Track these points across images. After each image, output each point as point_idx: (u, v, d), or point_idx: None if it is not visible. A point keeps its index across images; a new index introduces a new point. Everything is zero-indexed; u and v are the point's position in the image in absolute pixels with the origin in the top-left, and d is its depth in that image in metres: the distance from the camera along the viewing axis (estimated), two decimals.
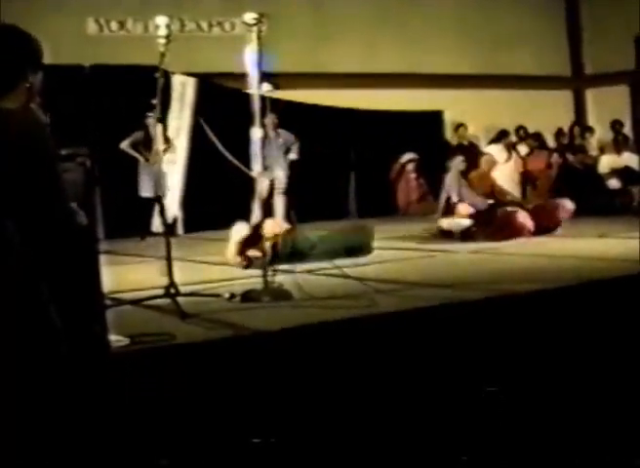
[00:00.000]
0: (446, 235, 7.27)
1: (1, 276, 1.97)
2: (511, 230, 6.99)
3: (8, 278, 1.97)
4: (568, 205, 7.50)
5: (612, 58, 12.01)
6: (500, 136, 10.46)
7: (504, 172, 8.68)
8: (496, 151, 9.42)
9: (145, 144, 9.23)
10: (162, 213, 5.19)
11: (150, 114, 8.79)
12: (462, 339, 3.53)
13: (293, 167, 9.90)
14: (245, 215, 8.54)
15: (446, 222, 7.40)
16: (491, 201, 7.45)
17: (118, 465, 2.29)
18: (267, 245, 5.18)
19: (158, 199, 8.55)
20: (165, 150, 8.54)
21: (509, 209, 7.25)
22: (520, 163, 10.30)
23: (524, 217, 7.08)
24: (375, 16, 11.80)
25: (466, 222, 7.24)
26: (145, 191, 9.23)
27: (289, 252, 5.73)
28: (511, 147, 10.26)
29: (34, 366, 1.98)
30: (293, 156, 9.94)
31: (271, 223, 6.07)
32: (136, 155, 9.27)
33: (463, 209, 7.37)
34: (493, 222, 7.11)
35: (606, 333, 3.54)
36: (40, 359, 1.99)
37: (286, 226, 6.27)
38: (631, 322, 3.61)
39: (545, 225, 7.23)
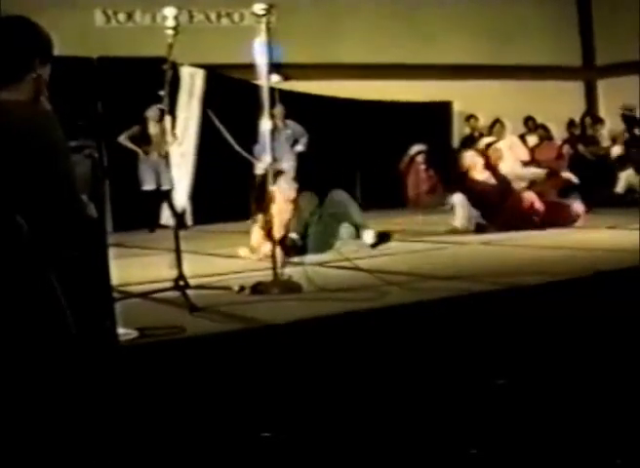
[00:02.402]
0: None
1: (11, 268, 1.96)
2: (522, 213, 6.94)
3: (18, 270, 1.97)
4: (577, 207, 7.38)
5: (623, 48, 11.93)
6: (492, 127, 10.38)
7: (506, 162, 8.59)
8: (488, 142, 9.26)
9: (143, 138, 9.24)
10: (171, 205, 5.19)
11: (150, 107, 8.83)
12: (472, 332, 3.52)
13: (300, 158, 9.88)
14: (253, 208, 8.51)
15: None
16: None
17: (123, 459, 2.29)
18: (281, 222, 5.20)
19: (166, 192, 8.57)
20: (167, 144, 8.56)
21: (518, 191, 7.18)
22: (525, 153, 10.19)
23: (532, 197, 7.02)
24: (384, 6, 11.75)
25: (476, 215, 7.22)
26: (147, 185, 9.23)
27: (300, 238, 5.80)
28: (502, 135, 10.12)
29: (45, 358, 1.98)
30: (300, 148, 9.92)
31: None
32: (134, 148, 9.27)
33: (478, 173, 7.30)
34: (502, 212, 7.05)
35: (616, 325, 3.52)
36: (51, 351, 1.99)
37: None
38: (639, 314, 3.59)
39: (555, 220, 7.17)
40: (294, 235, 5.96)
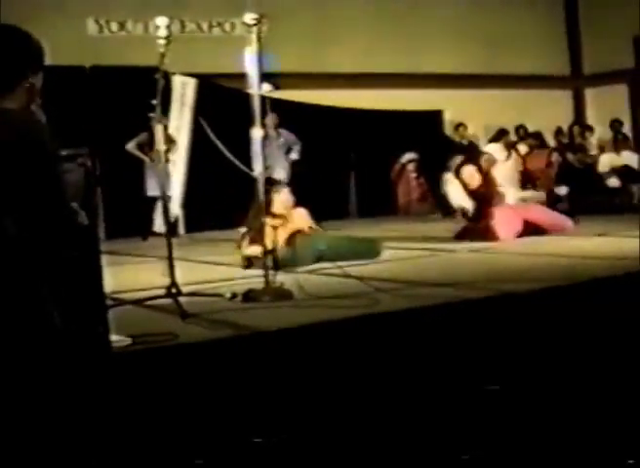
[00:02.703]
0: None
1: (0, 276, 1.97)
2: (492, 238, 6.87)
3: (7, 277, 1.98)
4: (568, 225, 7.33)
5: (610, 57, 12.02)
6: (500, 135, 10.46)
7: (504, 171, 8.61)
8: (495, 150, 9.38)
9: (151, 145, 9.25)
10: (165, 212, 5.21)
11: (154, 115, 8.82)
12: (463, 338, 3.54)
13: (294, 167, 9.91)
14: (246, 216, 8.53)
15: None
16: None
17: (116, 465, 2.30)
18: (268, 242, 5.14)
19: (164, 199, 8.56)
20: (168, 150, 8.55)
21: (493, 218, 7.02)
22: (520, 162, 10.28)
23: (503, 228, 6.89)
24: (375, 16, 11.81)
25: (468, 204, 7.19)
26: (152, 190, 9.23)
27: (290, 257, 5.69)
28: (510, 146, 10.21)
29: (34, 366, 1.98)
30: (294, 156, 9.94)
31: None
32: (141, 156, 9.29)
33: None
34: (480, 225, 7.03)
35: (606, 332, 3.54)
36: (40, 359, 1.99)
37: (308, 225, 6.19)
38: (632, 320, 3.61)
39: (541, 229, 7.15)
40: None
